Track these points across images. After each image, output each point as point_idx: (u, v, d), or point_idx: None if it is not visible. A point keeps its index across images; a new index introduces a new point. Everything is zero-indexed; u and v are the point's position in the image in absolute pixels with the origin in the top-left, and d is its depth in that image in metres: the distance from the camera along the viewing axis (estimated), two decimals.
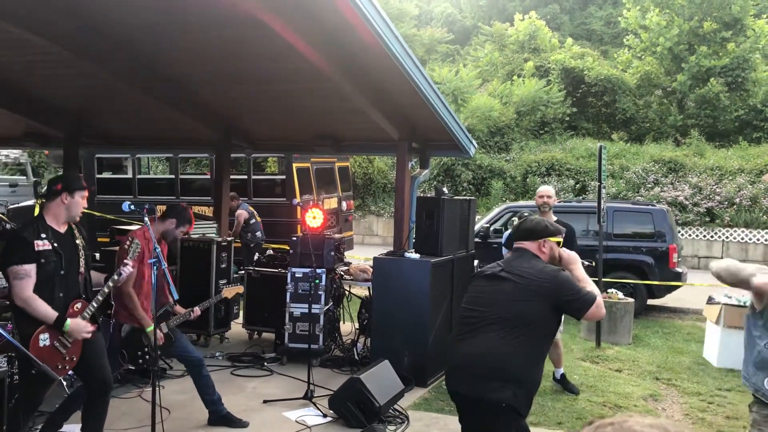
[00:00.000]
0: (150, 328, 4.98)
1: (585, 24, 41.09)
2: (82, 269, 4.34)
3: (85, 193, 4.29)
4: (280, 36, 5.60)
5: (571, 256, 3.80)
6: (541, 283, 3.52)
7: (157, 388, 4.49)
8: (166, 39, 6.48)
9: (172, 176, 14.40)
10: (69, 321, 4.09)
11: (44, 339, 4.03)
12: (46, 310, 4.03)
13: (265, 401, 6.10)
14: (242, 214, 10.81)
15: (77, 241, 4.30)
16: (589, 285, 3.62)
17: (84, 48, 6.38)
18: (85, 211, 13.18)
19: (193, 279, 7.91)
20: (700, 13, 25.09)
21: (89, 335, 4.24)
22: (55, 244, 4.15)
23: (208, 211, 12.04)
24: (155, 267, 4.14)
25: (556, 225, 3.89)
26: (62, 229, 4.27)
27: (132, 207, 4.31)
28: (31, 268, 4.02)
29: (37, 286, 4.06)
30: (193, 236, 8.20)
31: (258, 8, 5.26)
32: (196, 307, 5.49)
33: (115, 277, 4.30)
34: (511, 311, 3.49)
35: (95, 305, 4.26)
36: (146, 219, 4.28)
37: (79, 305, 4.25)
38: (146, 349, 5.15)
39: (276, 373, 7.01)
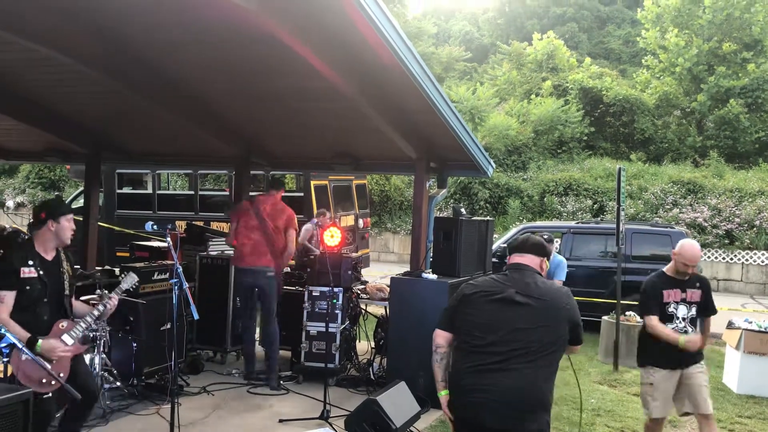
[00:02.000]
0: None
1: (603, 43, 41.08)
2: (67, 291, 4.51)
3: (70, 216, 4.44)
4: (300, 55, 5.66)
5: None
6: (561, 306, 3.50)
7: (176, 406, 4.52)
8: (188, 57, 6.56)
9: (192, 192, 14.52)
10: (41, 342, 4.19)
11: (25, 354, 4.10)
12: (18, 331, 4.12)
13: (281, 420, 6.09)
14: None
15: (62, 268, 4.45)
16: None
17: (108, 66, 6.49)
18: (105, 225, 13.29)
19: (212, 296, 7.95)
20: (720, 33, 25.03)
21: (66, 354, 4.32)
22: (41, 272, 4.32)
23: (226, 227, 12.11)
24: (176, 286, 4.17)
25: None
26: (50, 256, 4.44)
27: (155, 227, 4.36)
28: (7, 294, 4.18)
29: (23, 308, 4.24)
30: (211, 253, 8.24)
31: (278, 28, 5.31)
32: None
33: (100, 308, 4.45)
34: (537, 339, 3.41)
35: (81, 329, 4.41)
36: (168, 239, 4.32)
37: (64, 324, 4.39)
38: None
39: (292, 391, 7.01)
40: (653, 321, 5.17)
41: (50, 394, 4.13)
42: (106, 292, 6.19)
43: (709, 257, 17.95)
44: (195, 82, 7.22)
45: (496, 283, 3.61)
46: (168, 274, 6.91)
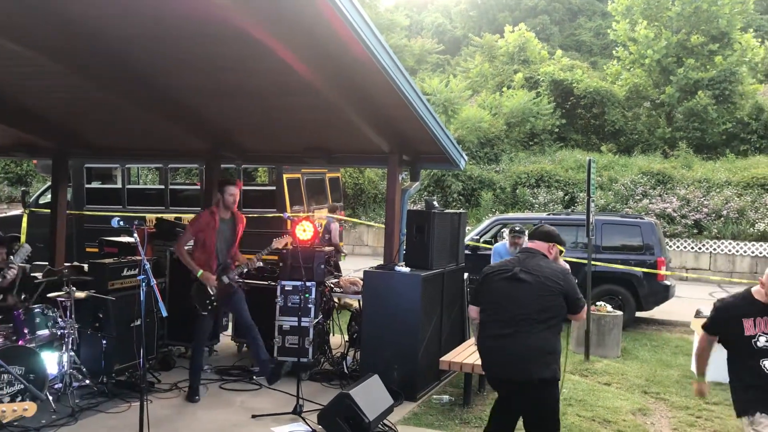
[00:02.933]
0: (199, 273, 6.41)
1: (574, 35, 41.39)
2: None
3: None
4: (271, 49, 5.61)
5: (565, 267, 4.69)
6: (557, 281, 4.37)
7: (145, 403, 4.47)
8: (157, 51, 6.46)
9: (162, 186, 14.35)
10: None
11: None
12: None
13: (253, 416, 6.06)
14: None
15: None
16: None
17: (74, 60, 6.37)
18: (74, 212, 13.01)
19: (182, 291, 7.85)
20: (688, 26, 25.36)
21: None
22: None
23: None
24: (144, 283, 4.12)
25: (562, 238, 4.76)
26: None
27: (121, 223, 4.29)
28: None
29: None
30: None
31: (249, 22, 5.26)
32: (254, 257, 6.66)
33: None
34: (539, 307, 4.32)
35: None
36: (135, 235, 4.25)
37: None
38: (212, 297, 6.42)
39: (265, 387, 6.98)
40: (703, 341, 4.66)
41: None
42: (74, 288, 6.13)
43: (678, 247, 18.23)
44: (165, 76, 7.11)
45: (508, 264, 4.57)
46: (137, 270, 6.83)
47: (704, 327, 4.50)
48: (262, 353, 6.75)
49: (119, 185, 14.57)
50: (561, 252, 4.70)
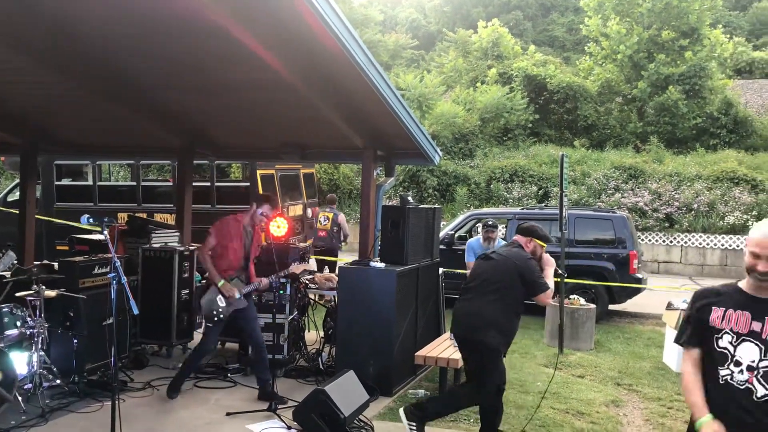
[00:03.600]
0: (221, 283, 6.19)
1: (547, 30, 41.70)
2: None
3: None
4: (244, 45, 5.56)
5: (548, 260, 5.37)
6: (515, 261, 5.19)
7: (117, 402, 4.41)
8: (129, 46, 6.38)
9: (134, 183, 14.18)
10: None
11: None
12: None
13: (228, 414, 6.01)
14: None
15: None
16: (549, 280, 5.21)
17: (44, 55, 6.26)
18: (43, 218, 12.89)
19: (155, 289, 7.78)
20: (659, 21, 25.66)
21: None
22: None
23: (170, 219, 11.88)
24: (114, 281, 4.06)
25: (545, 233, 5.44)
26: None
27: (91, 220, 4.22)
28: None
29: None
30: (154, 246, 8.07)
31: (221, 17, 5.21)
32: (264, 279, 6.56)
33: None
34: (493, 278, 5.20)
35: None
36: (105, 233, 4.19)
37: None
38: (221, 310, 6.25)
39: (240, 384, 6.93)
40: (685, 364, 3.16)
41: None
42: (43, 287, 6.02)
43: (649, 240, 18.47)
44: (137, 71, 7.02)
45: (492, 250, 5.85)
46: (108, 267, 6.73)
47: (679, 341, 3.22)
48: (266, 374, 6.47)
49: (90, 182, 14.36)
50: (542, 247, 5.34)
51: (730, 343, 2.99)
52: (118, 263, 4.16)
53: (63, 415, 5.83)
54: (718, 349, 3.01)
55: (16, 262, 4.48)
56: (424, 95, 25.78)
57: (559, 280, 5.13)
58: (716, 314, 3.05)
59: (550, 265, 5.36)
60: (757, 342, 2.94)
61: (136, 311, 4.28)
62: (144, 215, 11.42)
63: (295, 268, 6.76)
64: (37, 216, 10.97)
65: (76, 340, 6.43)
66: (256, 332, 6.50)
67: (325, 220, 12.06)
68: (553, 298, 9.62)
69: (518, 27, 40.24)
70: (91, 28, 5.99)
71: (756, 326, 2.96)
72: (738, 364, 2.96)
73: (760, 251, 2.93)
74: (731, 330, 3.00)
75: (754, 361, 2.93)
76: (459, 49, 33.28)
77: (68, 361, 6.44)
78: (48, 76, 6.82)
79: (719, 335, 3.02)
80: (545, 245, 5.39)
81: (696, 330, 3.12)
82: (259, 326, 6.58)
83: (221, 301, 6.26)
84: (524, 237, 5.38)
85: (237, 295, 6.29)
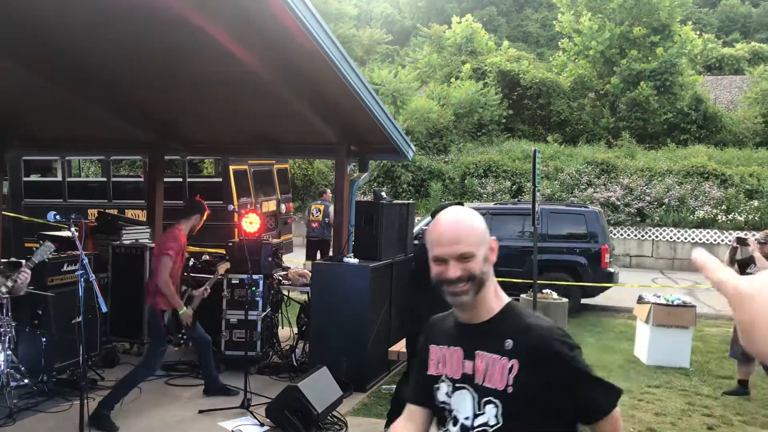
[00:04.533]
0: (182, 310, 5.92)
1: (521, 26, 41.93)
2: None
3: None
4: (215, 39, 5.49)
5: None
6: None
7: (86, 401, 4.35)
8: (97, 40, 6.26)
9: (104, 179, 13.99)
10: None
11: None
12: None
13: (200, 411, 5.97)
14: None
15: None
16: None
17: (9, 47, 6.12)
18: (11, 215, 12.67)
19: (126, 286, 7.69)
20: (631, 18, 25.93)
21: None
22: None
23: (142, 215, 11.74)
24: (82, 278, 3.99)
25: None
26: None
27: (58, 217, 4.15)
28: None
29: None
30: (125, 242, 7.97)
31: (190, 10, 5.14)
32: (206, 286, 6.41)
33: (9, 284, 4.14)
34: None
35: None
36: (73, 229, 4.11)
37: None
38: (183, 331, 6.15)
39: None
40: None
41: None
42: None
43: (621, 235, 18.68)
44: (105, 65, 6.90)
45: None
46: (78, 265, 6.63)
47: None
48: (213, 370, 6.49)
49: (59, 178, 14.14)
50: None
51: (447, 394, 2.02)
52: (86, 260, 4.09)
53: (31, 415, 5.74)
54: (439, 405, 2.05)
55: (55, 251, 4.39)
56: (399, 90, 25.77)
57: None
58: (433, 355, 2.09)
59: None
60: (470, 389, 1.96)
61: (104, 309, 4.23)
62: (115, 211, 11.29)
63: (221, 268, 6.66)
64: (4, 213, 10.77)
65: (44, 339, 6.33)
66: (197, 331, 6.32)
67: (317, 212, 12.78)
68: (527, 293, 9.76)
69: (492, 23, 40.40)
70: (60, 21, 5.87)
71: (468, 367, 1.98)
72: (455, 422, 1.99)
73: (444, 252, 1.91)
74: (446, 376, 2.03)
75: (468, 418, 1.95)
76: (433, 45, 33.33)
77: (37, 360, 6.33)
78: (14, 69, 6.66)
79: (437, 385, 2.05)
80: None
81: (418, 380, 2.15)
82: (199, 325, 6.36)
83: (185, 324, 6.07)
84: None
85: (190, 321, 6.08)
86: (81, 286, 3.98)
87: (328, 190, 13.13)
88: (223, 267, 6.75)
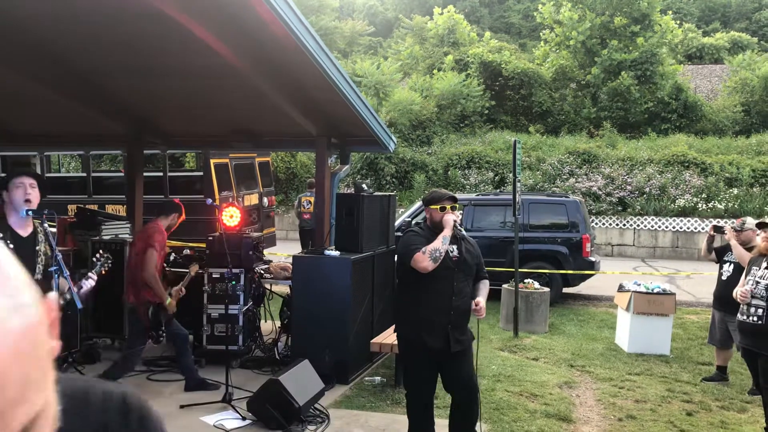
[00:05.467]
0: (168, 301, 6.03)
1: (504, 17, 41.95)
2: (38, 275, 4.06)
3: (19, 180, 3.96)
4: (189, 30, 5.44)
5: (444, 221, 4.56)
6: (396, 246, 4.92)
7: None
8: (71, 31, 6.18)
9: (84, 174, 13.86)
10: None
11: None
12: None
13: (182, 406, 5.95)
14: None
15: (38, 247, 4.03)
16: (432, 243, 4.45)
17: None
18: None
19: (107, 282, 7.60)
20: (611, 8, 26.02)
21: None
22: (11, 246, 3.84)
23: (123, 210, 11.65)
24: (57, 275, 3.95)
25: (440, 194, 4.76)
26: (25, 232, 3.99)
27: (30, 212, 4.10)
28: None
29: None
30: (104, 238, 7.90)
31: (166, 3, 5.09)
32: (181, 285, 6.42)
33: (75, 289, 4.05)
34: (396, 271, 5.11)
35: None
36: (46, 224, 4.07)
37: None
38: (162, 329, 6.16)
39: None
40: None
41: None
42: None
43: (603, 224, 18.81)
44: (79, 57, 6.82)
45: None
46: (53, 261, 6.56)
47: None
48: (192, 364, 6.50)
49: (38, 173, 13.97)
50: (438, 209, 4.62)
51: None
52: (60, 256, 4.05)
53: None
54: None
55: (111, 261, 4.40)
56: (381, 82, 25.72)
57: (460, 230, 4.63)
58: None
59: (446, 227, 4.54)
60: None
61: (79, 305, 4.18)
62: (95, 207, 11.18)
63: (192, 269, 6.63)
64: None
65: None
66: (173, 325, 6.31)
67: (308, 204, 13.46)
68: (509, 282, 9.81)
69: (474, 14, 40.38)
70: (32, 12, 5.78)
71: None
72: None
73: None
74: None
75: None
76: (416, 36, 33.28)
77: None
78: None
79: None
80: (440, 206, 4.62)
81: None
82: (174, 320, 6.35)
83: (163, 318, 6.11)
84: (425, 209, 4.83)
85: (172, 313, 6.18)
86: (56, 282, 3.95)
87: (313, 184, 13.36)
88: (193, 268, 6.70)
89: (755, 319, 5.20)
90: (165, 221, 6.23)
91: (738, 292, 5.35)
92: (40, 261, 4.07)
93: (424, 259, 4.39)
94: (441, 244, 4.42)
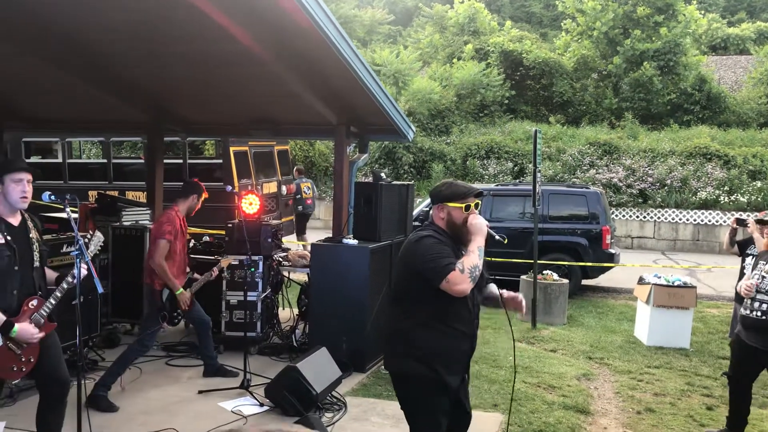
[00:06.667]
0: (179, 291, 5.93)
1: (525, 6, 41.54)
2: (36, 263, 4.10)
3: (18, 175, 3.98)
4: (211, 18, 5.44)
5: (475, 225, 3.43)
6: (404, 254, 3.55)
7: (84, 382, 4.35)
8: (93, 19, 6.20)
9: (105, 161, 13.97)
10: (17, 326, 3.87)
11: None
12: None
13: (200, 391, 5.99)
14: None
15: (31, 235, 4.07)
16: (468, 258, 3.33)
17: (6, 29, 6.07)
18: None
19: (126, 267, 7.69)
20: None
21: (37, 340, 4.00)
22: (8, 238, 3.92)
23: (142, 197, 11.72)
24: (78, 259, 3.98)
25: (463, 188, 3.57)
26: (16, 221, 4.03)
27: (52, 197, 4.12)
28: None
29: None
30: (125, 224, 7.96)
31: None
32: (214, 268, 6.41)
33: (69, 279, 4.08)
34: (394, 284, 3.74)
35: (52, 303, 4.04)
36: (67, 209, 4.09)
37: (34, 302, 4.02)
38: (178, 311, 6.17)
39: None
40: None
41: None
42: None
43: (623, 216, 18.64)
44: (100, 44, 6.85)
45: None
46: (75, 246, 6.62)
47: None
48: (212, 351, 6.53)
49: (60, 159, 14.12)
50: (461, 208, 3.50)
51: None
52: (82, 241, 4.07)
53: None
54: None
55: (103, 243, 4.36)
56: (401, 71, 25.62)
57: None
58: None
59: (477, 234, 3.43)
60: None
61: (101, 290, 4.21)
62: (115, 193, 11.27)
63: (223, 261, 6.60)
64: None
65: None
66: (196, 313, 6.31)
67: (308, 190, 14.05)
68: (527, 274, 9.76)
69: (495, 2, 40.04)
70: (53, 2, 5.82)
71: None
72: None
73: None
74: None
75: None
76: (436, 25, 33.07)
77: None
78: (12, 49, 6.62)
79: None
80: (465, 203, 3.50)
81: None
82: (199, 306, 6.35)
83: (183, 305, 6.07)
84: (434, 206, 3.59)
85: (189, 304, 6.10)
86: (77, 267, 3.97)
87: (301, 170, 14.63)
88: (225, 261, 6.66)
89: (759, 314, 5.09)
90: (183, 204, 6.12)
91: (743, 285, 5.21)
92: (35, 248, 4.10)
93: (464, 281, 3.28)
94: (479, 259, 3.35)
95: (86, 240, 4.31)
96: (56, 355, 4.28)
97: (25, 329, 3.91)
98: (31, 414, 4.43)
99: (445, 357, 3.45)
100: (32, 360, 4.03)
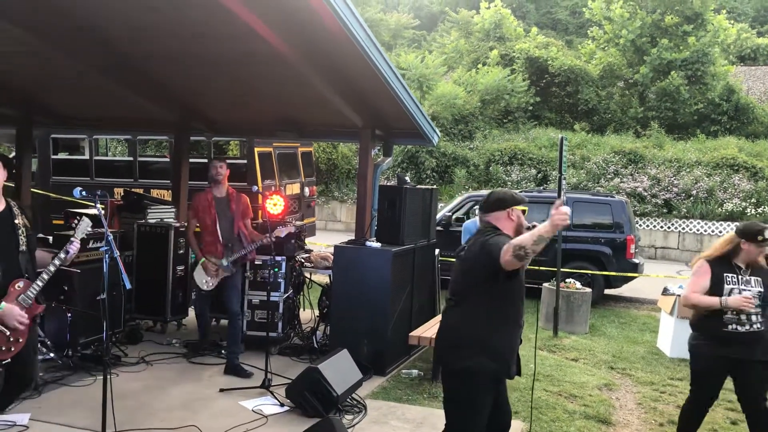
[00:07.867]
0: (202, 260, 6.60)
1: (551, 13, 41.37)
2: (23, 248, 4.17)
3: None
4: (242, 19, 5.48)
5: (560, 211, 3.43)
6: (476, 251, 3.74)
7: (109, 377, 4.39)
8: (121, 18, 6.27)
9: (131, 158, 14.11)
10: (4, 304, 3.98)
11: None
12: None
13: (221, 390, 6.02)
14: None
15: (16, 221, 4.13)
16: (522, 236, 3.50)
17: (36, 25, 6.16)
18: (40, 192, 12.81)
19: (150, 265, 7.75)
20: (663, 6, 25.46)
21: (23, 325, 4.08)
22: None
23: (167, 195, 11.82)
24: (107, 255, 4.02)
25: (516, 194, 3.99)
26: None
27: (83, 193, 4.17)
28: None
29: None
30: (150, 221, 8.03)
31: None
32: (252, 245, 6.72)
33: (62, 255, 4.17)
34: (458, 288, 3.86)
35: (39, 285, 4.14)
36: (98, 205, 4.14)
37: (20, 284, 4.11)
38: (209, 280, 6.62)
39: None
40: None
41: None
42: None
43: (647, 226, 18.46)
44: (129, 44, 6.92)
45: (467, 243, 4.04)
46: (103, 242, 6.70)
47: None
48: (234, 347, 6.64)
49: (87, 156, 14.29)
50: (524, 212, 3.91)
51: None
52: (111, 237, 4.12)
53: (56, 388, 5.83)
54: None
55: (90, 229, 4.43)
56: (425, 76, 25.61)
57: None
58: None
59: (555, 222, 3.44)
60: None
61: (128, 286, 4.26)
62: (141, 191, 11.37)
63: (278, 231, 6.76)
64: (33, 189, 10.92)
65: (69, 315, 6.42)
66: (231, 302, 6.67)
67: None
68: (550, 281, 9.69)
69: (521, 9, 39.93)
70: (82, 1, 5.89)
71: None
72: None
73: None
74: None
75: None
76: (461, 30, 33.06)
77: (62, 335, 6.43)
78: (42, 47, 6.71)
79: None
80: (526, 208, 3.95)
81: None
82: (237, 297, 6.78)
83: (204, 275, 6.64)
84: (503, 211, 3.85)
85: (207, 279, 6.66)
86: (105, 262, 4.02)
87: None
88: (283, 230, 6.86)
89: (758, 326, 4.86)
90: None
91: (740, 299, 4.77)
92: (21, 234, 4.16)
93: (507, 252, 3.47)
94: (532, 242, 3.43)
95: (73, 225, 4.38)
96: (31, 350, 4.36)
97: (11, 308, 4.02)
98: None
99: (508, 351, 3.78)
100: (21, 341, 4.11)
